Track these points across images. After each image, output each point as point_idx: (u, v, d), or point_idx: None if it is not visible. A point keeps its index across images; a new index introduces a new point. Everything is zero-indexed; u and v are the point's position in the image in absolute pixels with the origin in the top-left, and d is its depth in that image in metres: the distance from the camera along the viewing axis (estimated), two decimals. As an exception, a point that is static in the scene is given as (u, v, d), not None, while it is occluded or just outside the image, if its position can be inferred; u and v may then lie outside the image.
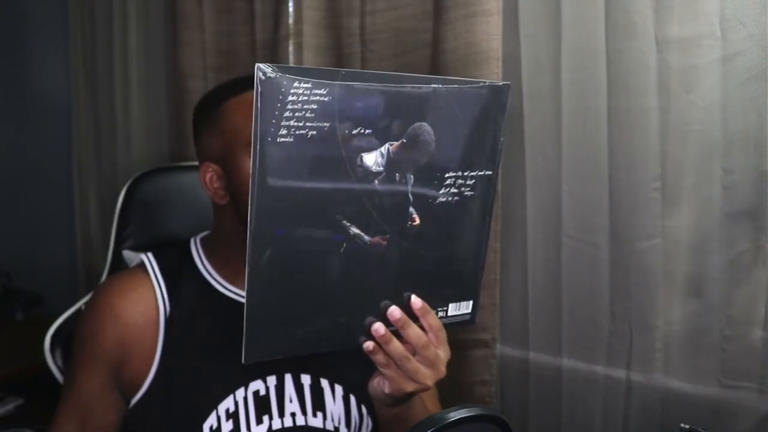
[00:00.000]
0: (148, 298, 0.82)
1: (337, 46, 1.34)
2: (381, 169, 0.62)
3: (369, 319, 0.66)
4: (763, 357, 1.02)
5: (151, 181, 1.14)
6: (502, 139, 0.68)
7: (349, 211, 0.61)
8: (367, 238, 0.63)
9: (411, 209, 0.65)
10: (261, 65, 0.54)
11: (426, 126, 0.63)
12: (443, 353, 0.70)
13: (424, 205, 0.65)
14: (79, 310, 1.09)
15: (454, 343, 1.19)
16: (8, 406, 1.69)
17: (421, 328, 0.68)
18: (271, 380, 0.80)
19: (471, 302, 0.73)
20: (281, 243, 0.59)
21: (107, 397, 0.81)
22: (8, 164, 2.17)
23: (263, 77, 0.55)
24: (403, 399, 0.72)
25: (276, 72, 0.55)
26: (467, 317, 0.74)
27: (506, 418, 0.61)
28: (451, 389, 1.18)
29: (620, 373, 1.14)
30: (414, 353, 0.68)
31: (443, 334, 0.70)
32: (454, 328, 0.73)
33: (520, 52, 1.18)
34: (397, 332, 0.67)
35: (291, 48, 1.35)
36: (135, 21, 1.77)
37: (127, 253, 1.11)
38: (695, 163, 1.05)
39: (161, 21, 1.73)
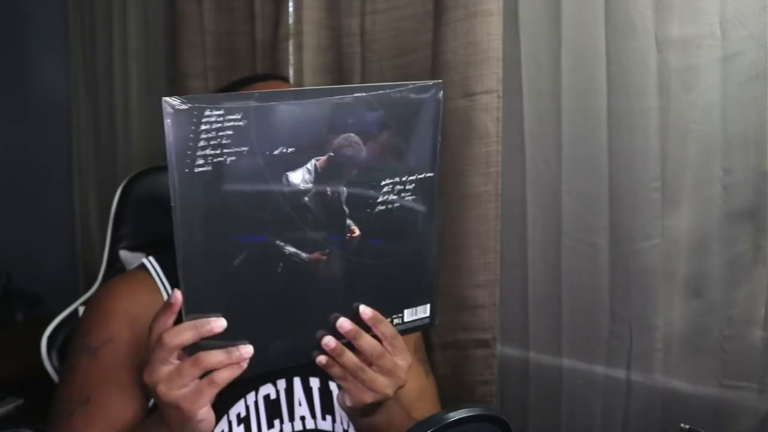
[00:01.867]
0: (156, 302, 0.80)
1: (337, 46, 1.34)
2: (310, 185, 0.61)
3: (319, 332, 0.65)
4: (763, 357, 1.02)
5: (146, 181, 1.14)
6: (439, 141, 0.67)
7: (281, 232, 0.61)
8: (304, 255, 0.62)
9: (349, 221, 0.64)
10: (167, 99, 0.54)
11: (353, 137, 0.62)
12: (402, 360, 0.69)
13: (362, 216, 0.65)
14: (76, 311, 1.09)
15: (454, 344, 1.21)
16: (8, 406, 1.69)
17: (376, 338, 0.67)
18: (281, 384, 0.79)
19: (428, 305, 0.72)
20: (213, 270, 0.59)
21: (133, 405, 0.78)
22: (8, 164, 2.17)
23: (172, 110, 0.54)
24: (369, 409, 0.71)
25: (185, 103, 0.54)
26: (426, 320, 0.73)
27: (506, 418, 0.61)
28: (451, 389, 1.19)
29: (620, 373, 1.14)
30: (370, 364, 0.67)
31: (399, 342, 0.69)
32: (416, 332, 0.73)
33: (520, 52, 1.18)
34: (351, 344, 0.66)
35: (291, 48, 1.35)
36: (135, 21, 1.77)
37: (124, 254, 1.10)
38: (695, 163, 1.05)
39: (161, 21, 1.73)
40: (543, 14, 1.15)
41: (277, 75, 1.13)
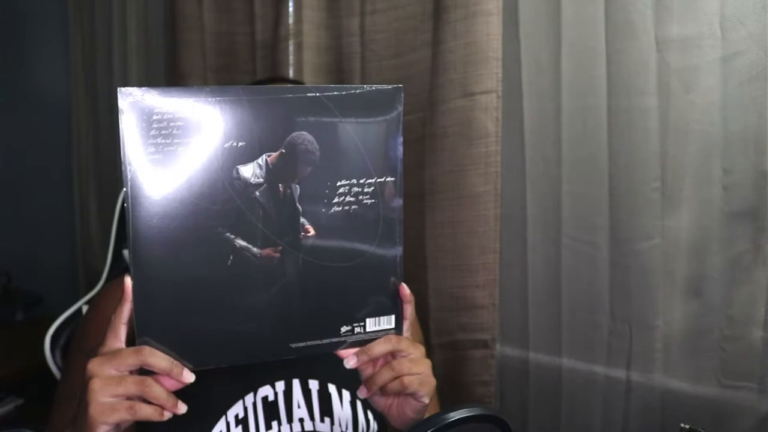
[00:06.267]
0: None
1: (337, 46, 1.34)
2: (261, 180, 0.62)
3: (342, 352, 0.68)
4: (763, 357, 1.02)
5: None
6: (400, 145, 0.67)
7: (231, 224, 0.61)
8: (256, 250, 0.63)
9: (303, 220, 0.64)
10: (123, 88, 0.56)
11: (306, 135, 0.63)
12: (415, 351, 0.69)
13: (317, 215, 0.65)
14: (79, 310, 1.09)
15: (452, 344, 1.21)
16: (8, 406, 1.69)
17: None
18: (280, 386, 0.79)
19: (393, 316, 0.70)
20: (164, 256, 0.60)
21: None
22: (8, 164, 2.17)
23: (125, 99, 0.57)
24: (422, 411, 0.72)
25: (139, 93, 0.57)
26: (392, 332, 0.71)
27: (506, 418, 0.61)
28: (450, 390, 1.19)
29: (620, 373, 1.14)
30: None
31: (376, 351, 0.68)
32: None
33: (520, 52, 1.18)
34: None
35: (291, 48, 1.35)
36: (135, 21, 1.78)
37: (128, 253, 1.11)
38: (695, 163, 1.05)
39: (161, 21, 1.73)
40: (543, 14, 1.16)
41: (279, 78, 1.14)
